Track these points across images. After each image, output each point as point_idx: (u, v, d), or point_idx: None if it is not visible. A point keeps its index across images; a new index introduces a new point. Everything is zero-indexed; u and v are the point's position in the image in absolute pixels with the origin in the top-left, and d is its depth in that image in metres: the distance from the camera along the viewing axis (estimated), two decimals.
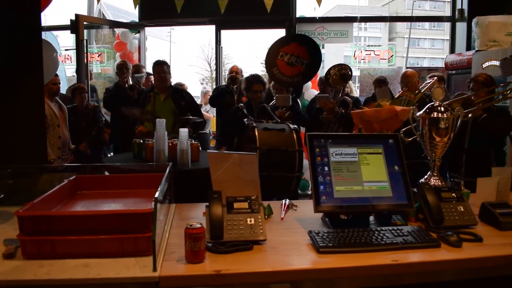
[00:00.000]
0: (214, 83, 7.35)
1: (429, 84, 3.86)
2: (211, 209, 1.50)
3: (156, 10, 6.53)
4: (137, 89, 4.84)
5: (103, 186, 1.99)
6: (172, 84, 4.40)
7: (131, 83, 5.02)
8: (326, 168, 1.69)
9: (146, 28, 7.42)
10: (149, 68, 7.55)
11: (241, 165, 1.68)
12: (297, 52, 4.19)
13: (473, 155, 3.26)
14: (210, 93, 7.10)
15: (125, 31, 7.35)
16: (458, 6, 6.70)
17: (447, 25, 7.09)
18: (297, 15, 6.63)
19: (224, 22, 6.68)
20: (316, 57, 4.22)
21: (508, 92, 3.11)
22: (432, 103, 1.99)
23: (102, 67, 8.31)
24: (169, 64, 4.15)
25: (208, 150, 1.75)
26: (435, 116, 1.93)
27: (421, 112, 1.98)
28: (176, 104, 3.95)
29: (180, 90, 4.31)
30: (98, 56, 7.75)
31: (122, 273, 1.25)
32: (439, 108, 1.94)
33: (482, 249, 1.53)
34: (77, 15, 5.97)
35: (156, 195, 1.34)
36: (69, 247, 1.35)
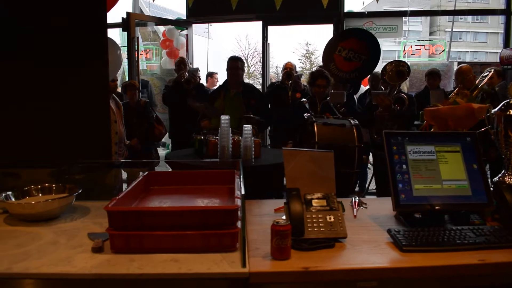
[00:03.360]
0: (261, 78, 7.37)
1: (487, 77, 3.75)
2: (291, 206, 1.51)
3: (205, 7, 6.61)
4: (193, 82, 4.95)
5: (175, 182, 2.04)
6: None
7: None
8: (404, 166, 1.67)
9: None
10: (196, 64, 7.69)
11: (317, 162, 1.69)
12: (356, 47, 4.15)
13: None
14: (217, 76, 7.19)
15: (171, 28, 7.49)
16: None
17: (491, 18, 6.86)
18: (345, 10, 6.56)
19: (271, 18, 6.71)
20: (375, 52, 4.17)
21: None
22: (508, 100, 1.93)
23: (148, 64, 8.51)
24: (243, 60, 4.22)
25: (283, 148, 1.75)
26: (510, 114, 1.87)
27: (496, 109, 1.93)
28: (246, 101, 4.01)
29: (252, 88, 4.38)
30: (146, 54, 7.92)
31: (213, 269, 1.27)
32: None
33: None
34: (128, 13, 6.12)
35: (242, 191, 1.37)
36: (157, 242, 1.39)
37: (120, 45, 4.50)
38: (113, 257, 1.37)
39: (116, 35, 7.91)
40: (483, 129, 1.95)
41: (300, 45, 26.61)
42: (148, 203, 1.77)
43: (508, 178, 1.95)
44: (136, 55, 6.27)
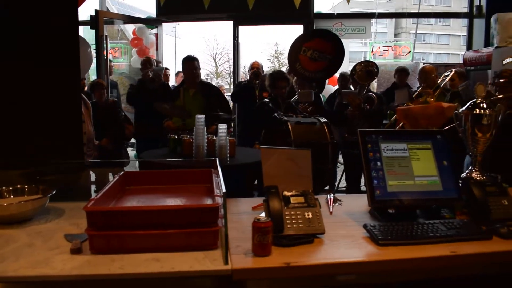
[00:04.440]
0: (229, 78, 7.38)
1: (448, 77, 3.89)
2: (270, 203, 1.53)
3: (176, 5, 6.56)
4: (157, 82, 4.91)
5: (151, 181, 2.01)
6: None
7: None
8: (378, 163, 1.72)
9: None
10: (165, 63, 7.61)
11: (294, 160, 1.72)
12: (321, 47, 4.22)
13: (500, 151, 3.27)
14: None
15: (141, 26, 7.39)
16: (476, 3, 6.70)
17: (453, 21, 7.15)
18: (315, 11, 6.65)
19: (242, 17, 6.72)
20: (339, 52, 4.25)
21: None
22: (474, 99, 2.02)
23: (115, 62, 8.37)
24: (198, 59, 4.21)
25: (262, 146, 1.77)
26: (477, 112, 1.96)
27: (464, 108, 2.01)
28: (206, 99, 4.00)
29: (209, 86, 4.37)
30: (114, 52, 7.80)
31: (196, 267, 1.28)
32: (481, 104, 1.98)
33: None
34: (97, 11, 6.02)
35: (223, 189, 1.38)
36: (138, 242, 1.38)
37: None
38: (93, 258, 1.35)
39: (83, 33, 7.73)
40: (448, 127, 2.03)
41: (269, 45, 26.79)
42: (126, 203, 1.75)
43: (476, 174, 2.04)
44: (105, 54, 6.16)
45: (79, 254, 1.38)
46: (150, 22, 7.37)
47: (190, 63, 4.15)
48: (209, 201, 1.68)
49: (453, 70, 4.42)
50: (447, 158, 1.80)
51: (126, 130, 5.18)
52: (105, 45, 6.12)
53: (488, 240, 1.56)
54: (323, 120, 3.33)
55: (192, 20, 7.51)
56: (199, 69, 4.21)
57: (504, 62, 5.18)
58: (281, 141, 3.17)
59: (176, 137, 3.15)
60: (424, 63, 7.35)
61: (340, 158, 5.03)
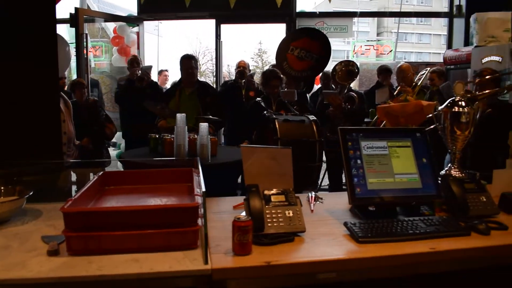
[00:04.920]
0: (213, 77, 7.35)
1: (424, 76, 3.94)
2: (251, 202, 1.53)
3: (157, 4, 6.51)
4: (145, 80, 4.86)
5: (131, 181, 1.99)
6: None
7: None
8: (359, 161, 1.73)
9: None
10: (147, 61, 7.54)
11: (275, 159, 1.71)
12: (308, 47, 4.22)
13: (479, 149, 3.32)
14: (167, 73, 7.14)
15: (122, 25, 7.31)
16: (456, 2, 6.80)
17: (434, 21, 7.25)
18: (297, 10, 6.66)
19: (224, 16, 6.70)
20: (326, 51, 4.26)
21: None
22: (453, 97, 2.04)
23: (96, 61, 8.27)
24: (196, 58, 4.17)
25: (241, 145, 1.77)
26: (456, 110, 1.99)
27: (443, 106, 2.04)
28: (201, 100, 3.97)
29: (207, 86, 4.33)
30: (94, 51, 7.70)
31: (175, 267, 1.27)
32: (460, 102, 2.00)
33: (509, 236, 1.60)
34: (76, 9, 5.93)
35: (203, 188, 1.37)
36: (116, 243, 1.36)
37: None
38: (70, 259, 1.33)
39: (63, 32, 7.62)
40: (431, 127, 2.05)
41: (253, 44, 26.77)
42: (105, 203, 1.73)
43: (455, 171, 2.06)
44: (85, 52, 6.08)
45: (56, 256, 1.35)
46: (131, 20, 7.29)
47: (187, 62, 4.11)
48: (189, 201, 1.66)
49: (429, 68, 4.48)
50: (426, 156, 1.81)
51: (107, 130, 5.12)
52: (85, 43, 6.03)
53: (466, 236, 1.58)
54: (312, 118, 3.34)
55: (173, 18, 7.46)
56: (196, 68, 4.17)
57: (483, 61, 5.26)
58: (270, 139, 3.17)
59: (157, 136, 3.12)
60: (404, 62, 7.45)
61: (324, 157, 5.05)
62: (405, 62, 7.47)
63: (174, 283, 1.29)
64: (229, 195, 2.27)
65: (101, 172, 1.95)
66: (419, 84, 3.23)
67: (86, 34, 6.16)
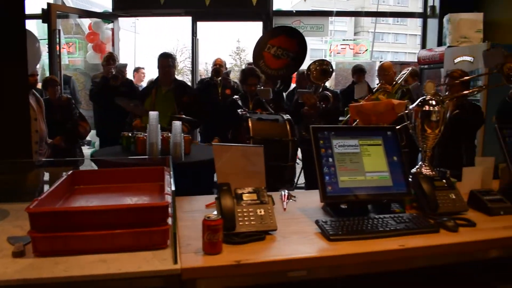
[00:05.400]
0: (191, 75, 7.29)
1: (405, 75, 4.00)
2: (222, 201, 1.52)
3: (133, 0, 6.43)
4: (120, 78, 4.79)
5: (101, 180, 1.96)
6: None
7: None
8: (330, 160, 1.74)
9: None
10: (123, 59, 7.45)
11: (247, 157, 1.71)
12: (285, 45, 4.23)
13: (446, 148, 3.38)
14: (143, 71, 7.09)
15: (97, 21, 7.19)
16: (430, 3, 6.91)
17: (410, 21, 7.35)
18: (274, 8, 6.67)
19: (200, 14, 6.65)
20: (302, 50, 4.27)
21: (483, 86, 3.27)
22: (424, 96, 2.07)
23: (70, 58, 8.11)
24: (174, 57, 4.13)
25: (213, 143, 1.76)
26: (427, 109, 2.01)
27: (414, 105, 2.06)
28: (177, 99, 3.93)
29: (184, 85, 4.29)
30: (68, 47, 7.55)
31: (144, 267, 1.25)
32: (430, 101, 2.03)
33: (477, 233, 1.63)
34: (49, 4, 5.78)
35: (173, 187, 1.35)
36: (84, 243, 1.34)
37: (39, 38, 4.24)
38: (36, 260, 1.30)
39: (34, 27, 7.44)
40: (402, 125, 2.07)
41: (231, 42, 26.72)
42: (73, 203, 1.69)
43: (425, 169, 2.09)
44: (58, 49, 5.95)
45: (22, 257, 1.32)
46: (106, 17, 7.17)
47: (164, 60, 4.06)
48: (159, 200, 1.64)
49: (410, 68, 4.54)
50: (397, 154, 1.84)
51: (81, 128, 5.03)
52: (58, 39, 5.90)
53: (435, 233, 1.60)
54: (286, 117, 3.34)
55: (149, 15, 7.38)
56: (174, 67, 4.12)
57: (456, 61, 5.36)
58: (243, 138, 3.17)
59: (129, 134, 3.07)
60: (380, 61, 7.55)
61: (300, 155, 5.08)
62: (381, 61, 7.59)
63: (143, 284, 1.27)
64: (205, 193, 2.26)
65: (70, 171, 1.91)
66: (398, 82, 3.29)
67: (59, 30, 6.03)
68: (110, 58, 5.13)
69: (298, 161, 5.53)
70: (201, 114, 4.14)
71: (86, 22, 8.12)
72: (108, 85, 4.88)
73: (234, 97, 3.88)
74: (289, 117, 3.38)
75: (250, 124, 3.05)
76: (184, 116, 3.65)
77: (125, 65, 5.38)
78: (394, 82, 3.88)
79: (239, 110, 3.46)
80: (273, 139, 3.08)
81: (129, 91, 4.89)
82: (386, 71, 4.60)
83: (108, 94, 4.71)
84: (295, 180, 5.55)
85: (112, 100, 4.12)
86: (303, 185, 5.18)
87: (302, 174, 5.13)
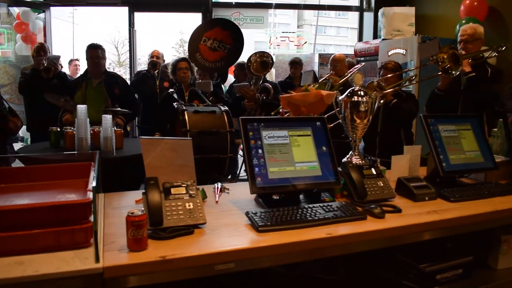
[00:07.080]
0: (129, 67, 7.07)
1: (356, 70, 4.09)
2: (149, 195, 1.48)
3: None
4: (53, 71, 4.56)
5: (24, 178, 1.84)
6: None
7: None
8: (260, 151, 1.74)
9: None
10: (55, 51, 7.10)
11: (176, 150, 1.68)
12: (220, 37, 4.18)
13: (386, 137, 3.51)
14: (78, 63, 6.88)
15: (26, 10, 6.79)
16: None
17: (351, 14, 7.52)
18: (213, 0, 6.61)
19: (137, 3, 6.46)
20: (238, 42, 4.24)
21: (413, 78, 3.41)
22: (353, 87, 2.12)
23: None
24: (104, 48, 3.96)
25: (141, 136, 1.71)
26: (355, 100, 2.07)
27: (343, 96, 2.11)
28: (109, 92, 3.78)
29: (115, 77, 4.13)
30: None
31: (63, 267, 1.20)
32: (359, 92, 2.08)
33: (402, 218, 1.70)
34: None
35: (94, 184, 1.30)
36: None
37: None
38: None
39: None
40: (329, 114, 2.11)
41: (174, 34, 26.30)
42: None
43: (355, 158, 2.15)
44: None
45: None
46: (36, 6, 6.79)
47: (92, 51, 3.90)
48: (84, 197, 1.58)
49: (362, 64, 4.65)
50: (326, 144, 1.87)
51: (11, 124, 4.75)
52: None
53: (363, 220, 1.65)
54: (223, 108, 3.32)
55: (83, 4, 7.05)
56: (103, 58, 3.96)
57: (389, 53, 5.56)
58: (179, 131, 3.11)
59: (57, 129, 2.93)
60: (320, 54, 7.71)
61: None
62: (321, 54, 7.74)
63: (63, 285, 1.21)
64: (137, 189, 2.21)
65: None
66: (347, 76, 3.34)
67: None
68: (41, 49, 4.87)
69: (240, 152, 5.56)
70: (136, 105, 4.04)
71: (15, 11, 7.66)
72: (39, 78, 4.64)
73: (169, 91, 3.81)
74: (227, 108, 3.37)
75: (186, 117, 3.01)
76: (119, 108, 3.54)
77: (58, 57, 5.12)
78: (343, 75, 3.95)
79: (174, 104, 3.40)
80: (211, 131, 3.06)
81: (62, 84, 4.67)
82: (337, 63, 4.66)
83: (39, 87, 4.48)
84: (237, 172, 5.56)
85: (43, 93, 3.93)
86: (245, 177, 5.20)
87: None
